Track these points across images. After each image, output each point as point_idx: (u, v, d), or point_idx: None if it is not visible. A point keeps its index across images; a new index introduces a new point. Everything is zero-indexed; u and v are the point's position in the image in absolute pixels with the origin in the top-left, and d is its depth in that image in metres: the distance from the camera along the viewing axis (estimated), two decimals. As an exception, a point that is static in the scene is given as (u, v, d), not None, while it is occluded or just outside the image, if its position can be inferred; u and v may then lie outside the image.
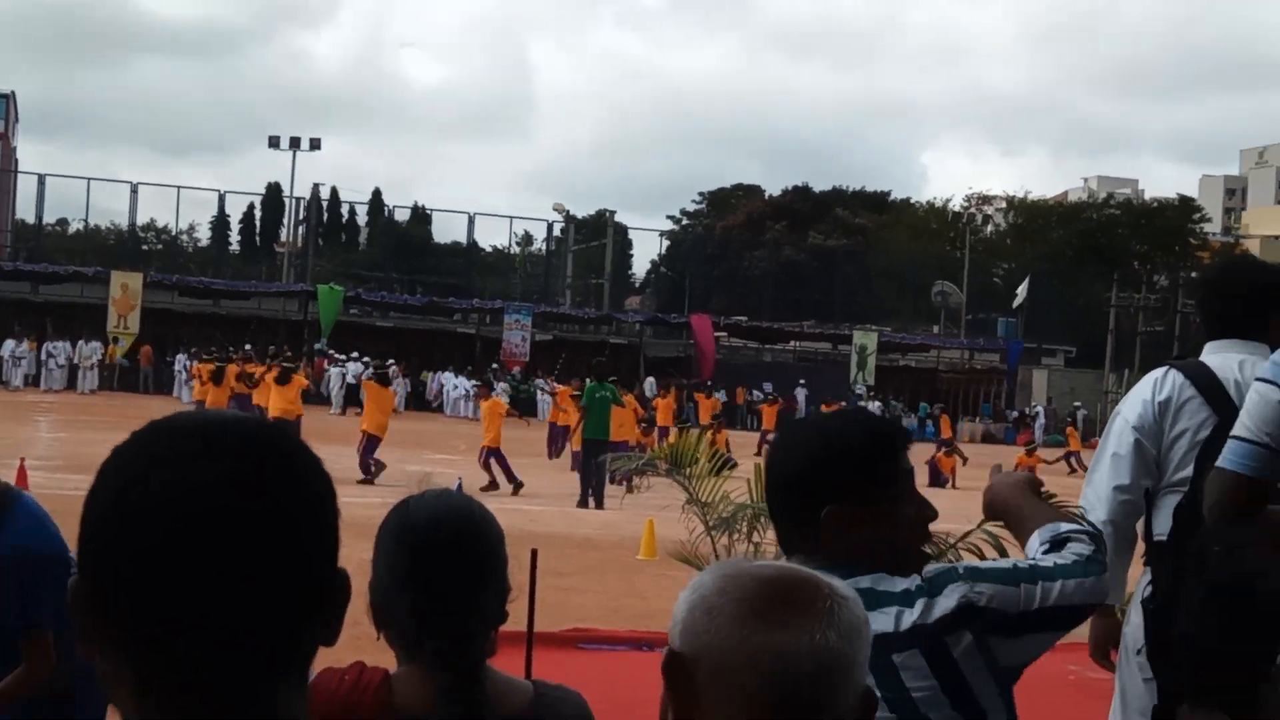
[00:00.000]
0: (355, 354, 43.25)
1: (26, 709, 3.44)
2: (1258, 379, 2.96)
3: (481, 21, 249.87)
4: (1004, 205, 79.43)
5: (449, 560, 1.97)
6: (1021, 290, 59.32)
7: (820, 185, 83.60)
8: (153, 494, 1.03)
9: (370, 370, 27.57)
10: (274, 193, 69.64)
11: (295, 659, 1.08)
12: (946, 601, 2.19)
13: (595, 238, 64.54)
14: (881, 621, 2.10)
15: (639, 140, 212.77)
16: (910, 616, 2.15)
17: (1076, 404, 54.92)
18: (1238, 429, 2.88)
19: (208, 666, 1.03)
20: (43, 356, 42.85)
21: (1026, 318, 60.22)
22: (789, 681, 1.33)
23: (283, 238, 66.27)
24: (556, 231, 61.70)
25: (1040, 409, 52.92)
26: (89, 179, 59.21)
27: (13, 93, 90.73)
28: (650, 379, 47.04)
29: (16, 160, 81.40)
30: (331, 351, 45.06)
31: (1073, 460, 34.42)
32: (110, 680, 1.06)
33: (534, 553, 6.39)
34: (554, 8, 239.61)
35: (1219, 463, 2.88)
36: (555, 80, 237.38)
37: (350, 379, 40.16)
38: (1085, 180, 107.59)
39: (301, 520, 1.06)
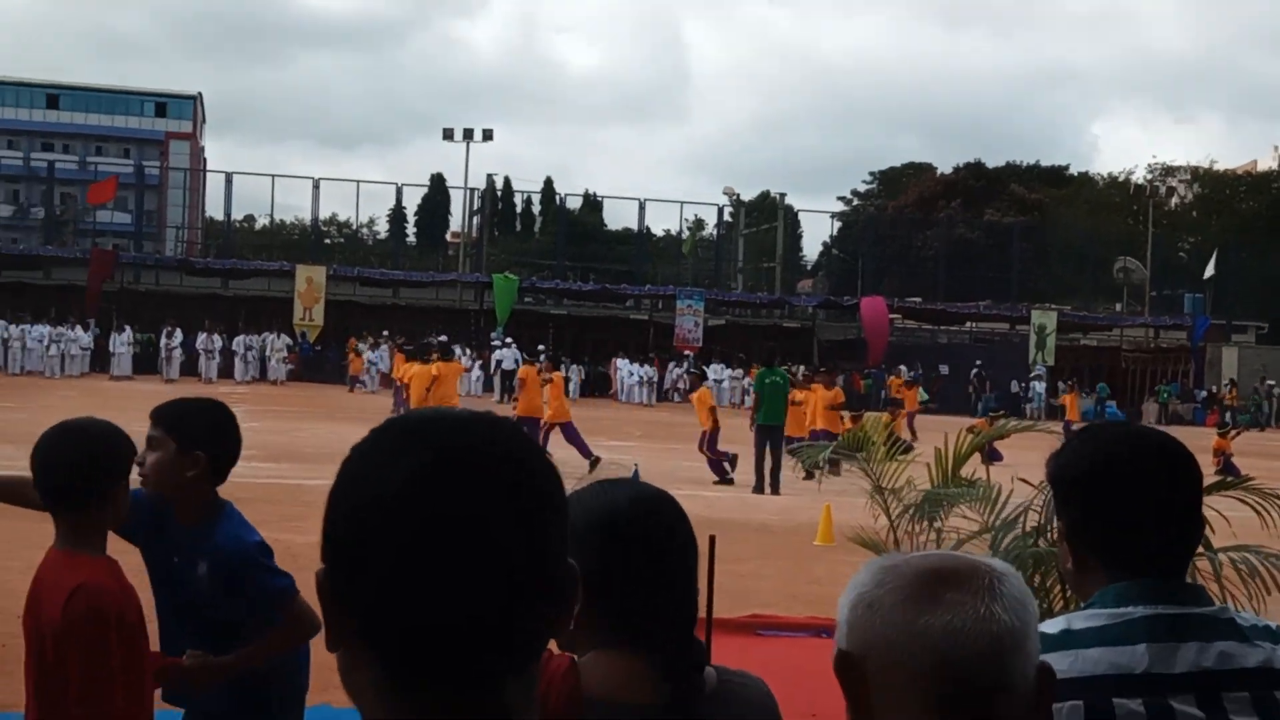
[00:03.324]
0: (509, 340, 43.79)
1: (230, 694, 3.64)
2: None
3: (632, 2, 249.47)
4: (1188, 176, 76.66)
5: (665, 548, 1.99)
6: (1211, 266, 57.10)
7: (988, 159, 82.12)
8: (396, 494, 1.05)
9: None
10: (438, 183, 71.03)
11: (529, 652, 1.11)
12: None
13: (763, 220, 64.29)
14: (1261, 655, 2.00)
15: (798, 119, 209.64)
16: None
17: (1270, 382, 52.76)
18: None
19: (447, 661, 1.06)
20: (234, 349, 44.53)
21: (1215, 293, 57.95)
22: (961, 660, 1.32)
23: (452, 228, 67.46)
24: (726, 215, 61.63)
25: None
26: (273, 175, 61.45)
27: (199, 94, 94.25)
28: (902, 366, 46.58)
29: (205, 160, 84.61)
30: (496, 340, 45.60)
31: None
32: (348, 669, 1.09)
33: (712, 539, 6.40)
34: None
35: None
36: (710, 59, 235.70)
37: (507, 366, 40.37)
38: (1277, 148, 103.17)
39: (537, 518, 1.09)
